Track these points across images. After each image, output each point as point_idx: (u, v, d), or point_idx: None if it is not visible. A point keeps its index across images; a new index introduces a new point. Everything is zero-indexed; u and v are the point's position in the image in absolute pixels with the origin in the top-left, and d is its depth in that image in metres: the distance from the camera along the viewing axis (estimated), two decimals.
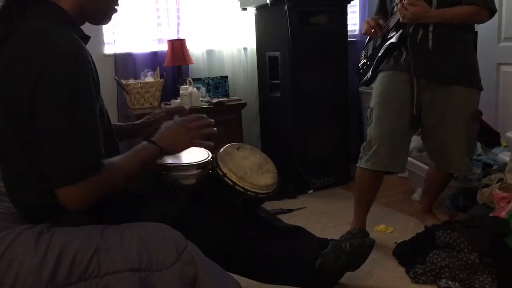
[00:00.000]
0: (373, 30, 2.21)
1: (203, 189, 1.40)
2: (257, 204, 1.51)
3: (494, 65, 2.92)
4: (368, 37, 2.37)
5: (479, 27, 2.96)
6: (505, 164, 2.40)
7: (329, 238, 1.66)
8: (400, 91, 2.11)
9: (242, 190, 1.38)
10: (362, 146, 2.23)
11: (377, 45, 2.25)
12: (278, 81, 3.09)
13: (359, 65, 2.42)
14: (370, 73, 2.26)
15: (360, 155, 2.22)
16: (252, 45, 3.39)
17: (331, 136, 3.16)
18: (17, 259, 1.09)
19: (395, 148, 2.10)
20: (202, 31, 3.30)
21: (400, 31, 2.06)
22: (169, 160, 1.39)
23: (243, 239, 1.42)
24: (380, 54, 2.19)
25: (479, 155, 2.65)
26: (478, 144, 2.69)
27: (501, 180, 2.30)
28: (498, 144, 2.80)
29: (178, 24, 3.22)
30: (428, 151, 2.29)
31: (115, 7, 1.33)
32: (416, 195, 2.80)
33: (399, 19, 2.04)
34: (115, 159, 1.23)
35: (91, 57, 1.20)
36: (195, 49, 3.27)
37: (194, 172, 1.40)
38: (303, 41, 2.96)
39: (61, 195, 1.13)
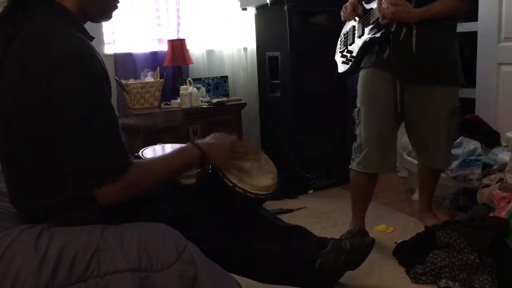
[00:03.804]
0: (351, 17, 2.15)
1: (203, 189, 1.40)
2: (257, 205, 1.50)
3: (494, 65, 2.92)
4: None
5: (479, 27, 2.96)
6: (505, 164, 2.39)
7: (329, 238, 1.66)
8: (383, 90, 2.09)
9: (242, 191, 1.37)
10: (353, 147, 2.22)
11: (357, 35, 2.19)
12: (278, 81, 3.10)
13: (338, 50, 2.35)
14: (350, 66, 2.21)
15: (352, 156, 2.21)
16: (252, 45, 3.39)
17: (331, 136, 3.16)
18: (17, 259, 1.09)
19: (385, 150, 2.11)
20: (202, 31, 3.30)
21: (383, 30, 2.00)
22: None
23: (243, 239, 1.42)
24: (360, 47, 2.13)
25: (479, 155, 2.65)
26: (478, 144, 2.69)
27: (501, 180, 2.30)
28: (498, 144, 2.80)
29: (178, 24, 3.23)
30: (412, 145, 2.31)
31: (116, 4, 1.33)
32: (416, 195, 2.80)
33: (379, 17, 1.98)
34: (153, 158, 1.30)
35: (100, 55, 1.21)
36: (195, 49, 3.27)
37: (194, 172, 1.40)
38: (303, 41, 2.96)
39: (97, 194, 1.17)
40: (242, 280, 1.38)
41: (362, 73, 2.16)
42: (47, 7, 1.21)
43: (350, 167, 2.22)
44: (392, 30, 2.00)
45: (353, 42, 2.23)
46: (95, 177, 1.15)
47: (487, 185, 2.37)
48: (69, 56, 1.11)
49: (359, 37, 2.17)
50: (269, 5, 2.98)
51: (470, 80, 3.05)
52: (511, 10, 2.78)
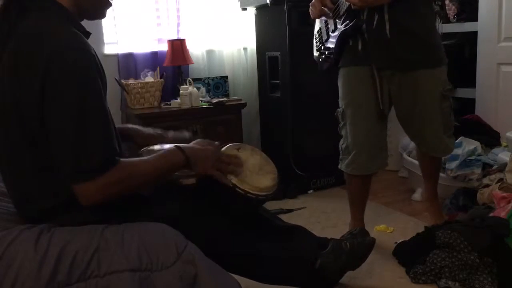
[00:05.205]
0: (321, 13, 2.07)
1: (203, 189, 1.40)
2: (257, 205, 1.51)
3: (494, 65, 2.92)
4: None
5: (479, 27, 2.97)
6: (505, 164, 2.40)
7: (329, 238, 1.66)
8: (366, 89, 2.02)
9: (242, 192, 1.37)
10: (340, 147, 2.17)
11: (330, 31, 2.13)
12: (278, 81, 3.09)
13: (315, 49, 2.29)
14: (332, 62, 2.13)
15: (340, 157, 2.17)
16: (252, 45, 3.39)
17: (331, 136, 3.14)
18: (17, 259, 1.10)
19: (373, 151, 2.07)
20: (202, 31, 3.30)
21: (354, 20, 1.93)
22: None
23: (243, 239, 1.42)
24: (336, 43, 2.06)
25: (479, 155, 2.65)
26: (478, 144, 2.69)
27: (501, 180, 2.30)
28: (498, 144, 2.80)
29: (178, 24, 3.22)
30: (410, 138, 2.26)
31: (110, 1, 1.34)
32: (416, 195, 2.80)
33: (350, 5, 1.89)
34: (137, 159, 1.26)
35: (95, 51, 1.21)
36: (195, 49, 3.27)
37: (194, 172, 1.40)
38: (303, 41, 2.93)
39: (77, 191, 1.15)
40: (242, 280, 1.38)
41: (341, 73, 2.10)
42: (42, 4, 1.21)
43: (339, 167, 2.18)
44: (364, 18, 1.93)
45: (328, 38, 2.16)
46: (75, 174, 1.14)
47: (487, 185, 2.37)
48: (60, 54, 1.12)
49: (333, 31, 2.10)
50: (269, 5, 2.98)
51: (470, 80, 3.06)
52: (511, 10, 2.78)
